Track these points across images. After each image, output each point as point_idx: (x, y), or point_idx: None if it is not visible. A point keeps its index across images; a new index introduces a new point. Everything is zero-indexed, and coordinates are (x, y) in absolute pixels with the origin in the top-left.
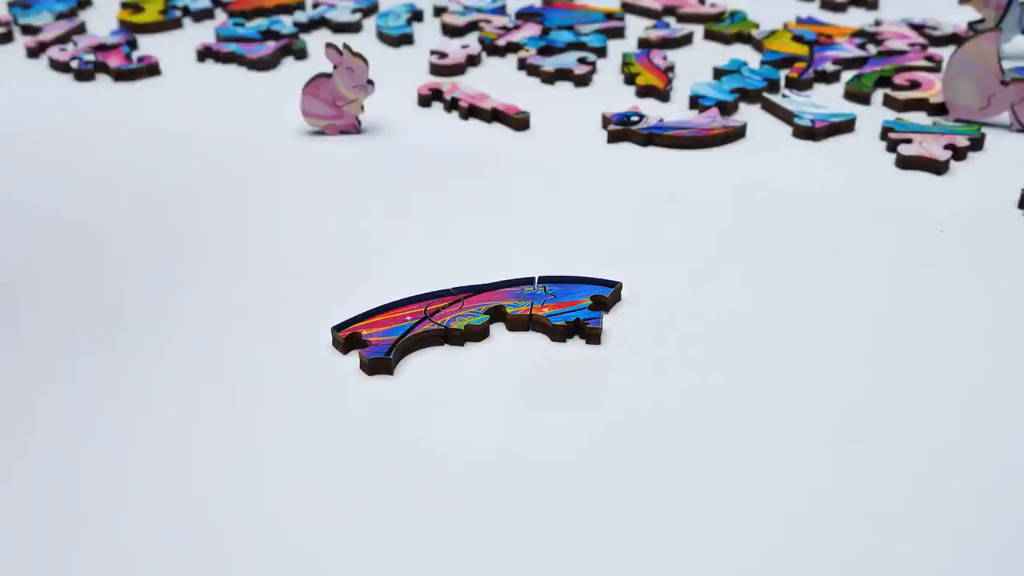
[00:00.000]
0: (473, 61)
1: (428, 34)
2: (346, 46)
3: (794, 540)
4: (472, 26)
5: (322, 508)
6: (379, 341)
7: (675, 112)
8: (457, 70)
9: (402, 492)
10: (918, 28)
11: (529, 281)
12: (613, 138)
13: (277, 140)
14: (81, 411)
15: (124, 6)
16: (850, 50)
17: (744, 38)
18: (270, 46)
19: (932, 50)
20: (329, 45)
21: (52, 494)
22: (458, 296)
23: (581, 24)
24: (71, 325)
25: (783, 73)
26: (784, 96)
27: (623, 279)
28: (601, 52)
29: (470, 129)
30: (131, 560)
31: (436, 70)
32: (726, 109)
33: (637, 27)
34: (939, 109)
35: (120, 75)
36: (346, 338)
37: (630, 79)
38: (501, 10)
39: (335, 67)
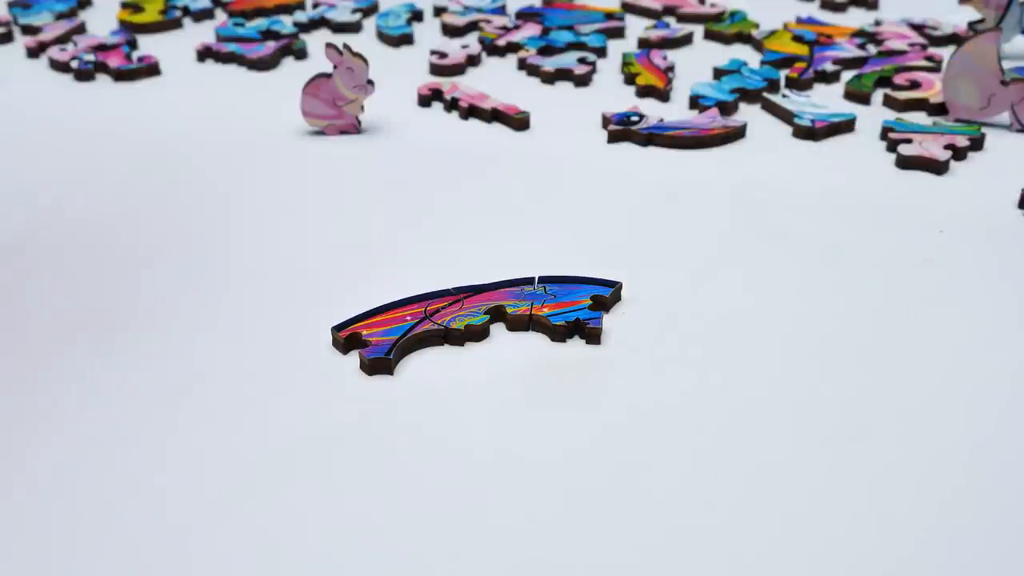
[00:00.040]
0: (473, 61)
1: (428, 34)
2: (346, 46)
3: (794, 540)
4: (472, 26)
5: (322, 508)
6: (379, 341)
7: (675, 112)
8: (457, 70)
9: (402, 492)
10: (918, 28)
11: (529, 281)
12: (613, 138)
13: (277, 140)
14: (81, 411)
15: (124, 6)
16: (850, 50)
17: (744, 38)
18: (270, 46)
19: (932, 50)
20: (329, 45)
21: (52, 494)
22: (458, 296)
23: (581, 24)
24: (71, 325)
25: (783, 73)
26: (784, 96)
27: (623, 279)
28: (601, 52)
29: (470, 129)
30: (132, 559)
31: (436, 70)
32: (726, 109)
33: (637, 27)
34: (939, 109)
35: (120, 75)
36: (346, 338)
37: (630, 79)
38: (501, 10)
39: (335, 67)
